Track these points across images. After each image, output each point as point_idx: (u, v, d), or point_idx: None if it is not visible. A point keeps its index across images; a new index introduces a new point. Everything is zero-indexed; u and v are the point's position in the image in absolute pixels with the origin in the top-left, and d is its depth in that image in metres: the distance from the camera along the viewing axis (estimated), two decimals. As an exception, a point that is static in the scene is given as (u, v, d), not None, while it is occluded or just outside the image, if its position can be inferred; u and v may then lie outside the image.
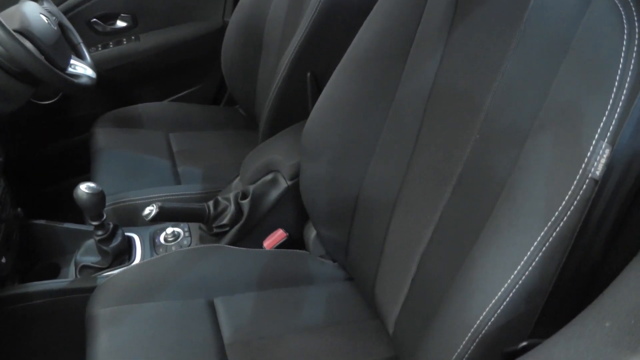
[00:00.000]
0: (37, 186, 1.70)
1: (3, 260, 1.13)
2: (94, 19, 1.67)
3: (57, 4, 1.55)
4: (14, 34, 1.11)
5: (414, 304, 0.80)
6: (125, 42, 1.70)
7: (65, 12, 1.55)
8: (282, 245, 1.13)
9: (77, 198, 1.07)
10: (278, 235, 1.13)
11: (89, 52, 1.43)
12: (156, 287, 0.98)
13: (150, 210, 1.07)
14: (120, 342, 0.89)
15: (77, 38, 1.43)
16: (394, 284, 0.84)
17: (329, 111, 0.93)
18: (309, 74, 1.18)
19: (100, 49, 1.69)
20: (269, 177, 1.12)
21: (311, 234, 1.09)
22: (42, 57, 1.19)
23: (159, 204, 1.08)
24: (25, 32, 1.19)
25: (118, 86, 1.77)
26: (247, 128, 1.59)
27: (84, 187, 1.07)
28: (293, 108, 1.22)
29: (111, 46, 1.70)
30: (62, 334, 1.12)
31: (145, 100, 1.70)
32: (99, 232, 1.14)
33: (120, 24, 1.69)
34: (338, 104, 0.92)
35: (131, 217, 1.28)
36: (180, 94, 1.79)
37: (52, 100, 1.39)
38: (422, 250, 0.79)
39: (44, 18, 1.28)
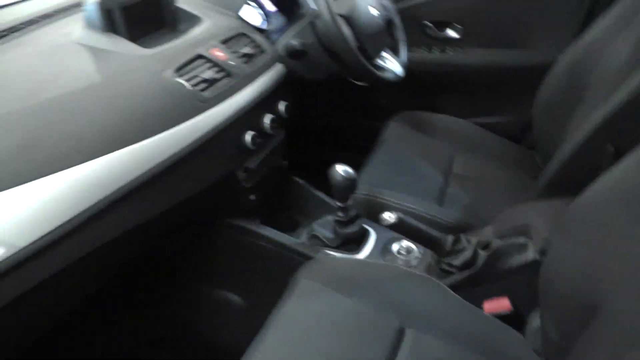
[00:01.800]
0: (316, 152, 1.85)
1: (252, 197, 1.26)
2: (428, 22, 1.69)
3: (399, 1, 1.62)
4: (337, 17, 1.20)
5: None
6: (448, 52, 1.69)
7: (401, 10, 1.60)
8: (501, 317, 1.00)
9: (330, 176, 1.12)
10: (502, 304, 1.00)
11: (412, 52, 1.46)
12: (361, 288, 0.97)
13: (390, 217, 1.05)
14: (302, 317, 0.91)
15: (400, 35, 1.47)
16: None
17: (611, 200, 0.76)
18: (611, 147, 0.97)
19: (424, 51, 1.72)
20: (520, 240, 0.99)
21: (534, 322, 0.93)
22: (355, 44, 1.25)
23: (400, 215, 1.05)
24: (348, 18, 1.27)
25: (427, 90, 1.79)
26: (536, 178, 1.44)
27: (340, 169, 1.11)
28: (583, 177, 1.04)
29: (435, 51, 1.71)
30: (270, 280, 1.19)
31: (448, 112, 1.68)
32: (340, 214, 1.19)
33: (451, 33, 1.68)
34: (629, 197, 0.74)
35: (378, 214, 1.28)
36: (484, 119, 1.71)
37: (366, 84, 1.47)
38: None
39: (373, 10, 1.35)
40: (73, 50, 0.97)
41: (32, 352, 1.11)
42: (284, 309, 0.94)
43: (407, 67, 1.48)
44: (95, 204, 0.80)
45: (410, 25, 1.66)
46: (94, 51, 0.97)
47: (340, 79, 1.41)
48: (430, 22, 1.68)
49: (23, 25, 1.01)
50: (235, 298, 1.32)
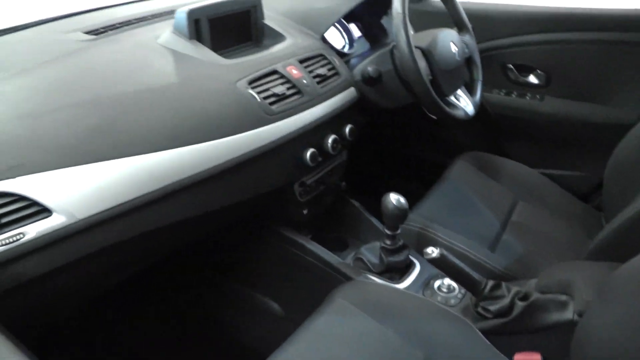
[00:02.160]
0: (378, 177, 1.86)
1: (305, 211, 1.30)
2: (510, 65, 1.66)
3: (484, 41, 1.62)
4: (414, 49, 1.22)
5: None
6: (527, 97, 1.66)
7: (485, 50, 1.60)
8: (530, 370, 0.97)
9: (382, 203, 1.13)
10: (533, 359, 0.97)
11: (490, 92, 1.44)
12: (393, 316, 0.98)
13: (432, 251, 1.05)
14: (329, 333, 0.94)
15: (478, 75, 1.47)
16: None
17: None
18: None
19: (502, 94, 1.70)
20: (561, 298, 0.96)
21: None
22: (428, 77, 1.26)
23: (443, 251, 1.05)
24: (426, 52, 1.29)
25: (499, 133, 1.76)
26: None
27: (393, 198, 1.13)
28: (637, 245, 0.99)
29: (513, 95, 1.68)
30: (310, 294, 1.22)
31: (516, 158, 1.65)
32: (388, 242, 1.20)
33: (533, 79, 1.65)
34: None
35: (426, 248, 1.28)
36: (552, 171, 1.66)
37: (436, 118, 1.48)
38: None
39: (453, 47, 1.35)
40: (156, 51, 1.06)
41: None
42: (314, 323, 0.96)
43: (483, 107, 1.47)
44: (152, 192, 0.87)
45: (492, 65, 1.64)
46: (176, 55, 1.06)
47: (413, 109, 1.42)
48: (513, 65, 1.67)
49: (120, 25, 1.12)
50: (274, 305, 1.36)
